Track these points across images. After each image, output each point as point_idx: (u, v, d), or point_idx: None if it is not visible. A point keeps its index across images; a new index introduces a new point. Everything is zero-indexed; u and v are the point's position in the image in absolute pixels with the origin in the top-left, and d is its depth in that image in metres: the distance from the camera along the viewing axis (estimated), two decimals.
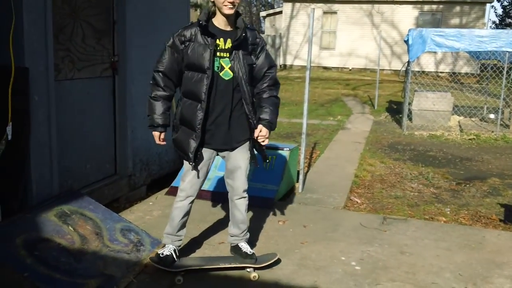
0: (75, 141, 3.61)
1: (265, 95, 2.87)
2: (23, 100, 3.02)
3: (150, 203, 4.22)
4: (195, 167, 2.83)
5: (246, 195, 2.98)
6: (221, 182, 4.24)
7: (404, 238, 3.62)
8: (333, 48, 22.20)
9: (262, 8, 41.56)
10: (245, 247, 3.01)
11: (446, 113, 9.15)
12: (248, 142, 2.91)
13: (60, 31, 3.40)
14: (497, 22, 36.02)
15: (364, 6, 21.49)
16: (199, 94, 2.72)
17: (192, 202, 2.95)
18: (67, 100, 3.49)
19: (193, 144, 2.77)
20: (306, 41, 21.97)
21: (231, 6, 2.65)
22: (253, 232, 3.58)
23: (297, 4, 22.30)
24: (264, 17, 27.33)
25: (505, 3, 34.54)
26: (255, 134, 2.82)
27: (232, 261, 2.97)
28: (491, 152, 7.33)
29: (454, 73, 13.35)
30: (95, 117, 3.83)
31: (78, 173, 3.69)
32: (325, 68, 22.25)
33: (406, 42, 8.62)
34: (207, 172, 2.93)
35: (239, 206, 2.97)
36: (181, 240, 3.02)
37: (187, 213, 2.97)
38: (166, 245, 2.98)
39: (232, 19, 2.74)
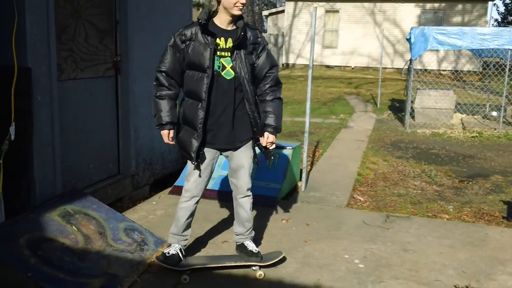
0: (78, 141, 3.62)
1: (268, 97, 2.87)
2: (26, 101, 3.03)
3: (154, 203, 4.23)
4: (197, 167, 2.83)
5: (250, 194, 2.99)
6: (224, 181, 4.25)
7: (407, 236, 3.62)
8: (335, 46, 22.18)
9: (265, 7, 41.56)
10: (250, 245, 3.02)
11: (449, 111, 9.13)
12: (251, 141, 2.91)
13: (63, 31, 3.41)
14: (499, 20, 35.95)
15: (366, 4, 21.46)
16: (200, 93, 2.72)
17: (197, 202, 2.95)
18: (70, 100, 3.51)
19: (195, 143, 2.77)
20: (308, 40, 21.97)
21: (242, 7, 2.67)
22: (257, 231, 3.58)
23: (300, 3, 22.29)
24: (267, 16, 27.31)
25: (507, 1, 34.45)
26: (263, 143, 2.87)
27: (237, 260, 2.98)
28: (493, 149, 7.32)
29: (456, 71, 13.32)
30: (98, 116, 3.84)
31: (81, 173, 3.70)
32: (328, 66, 22.23)
33: (408, 40, 8.61)
34: (211, 172, 2.93)
35: (244, 204, 2.98)
36: (186, 239, 3.03)
37: (192, 213, 2.98)
38: (172, 245, 2.99)
39: (235, 18, 2.74)
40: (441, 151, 7.14)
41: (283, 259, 3.07)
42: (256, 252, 2.99)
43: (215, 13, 2.75)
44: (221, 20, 2.73)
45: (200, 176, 2.86)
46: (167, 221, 3.74)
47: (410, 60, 8.92)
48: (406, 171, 5.93)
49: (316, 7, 4.82)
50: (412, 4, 21.02)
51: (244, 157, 2.90)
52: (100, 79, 3.86)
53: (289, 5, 22.73)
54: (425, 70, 13.32)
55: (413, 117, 9.19)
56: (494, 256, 3.30)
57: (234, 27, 2.76)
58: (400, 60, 20.69)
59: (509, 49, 8.25)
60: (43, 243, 2.79)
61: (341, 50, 22.09)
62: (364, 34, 21.55)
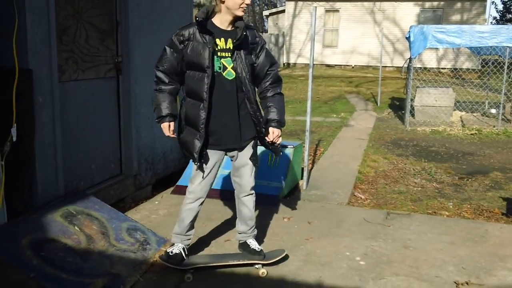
0: (80, 141, 3.64)
1: (269, 93, 2.89)
2: (27, 102, 3.04)
3: (156, 202, 4.25)
4: (200, 167, 2.83)
5: (253, 192, 2.99)
6: (226, 180, 4.27)
7: (407, 233, 3.64)
8: (335, 46, 22.20)
9: (265, 7, 41.56)
10: (253, 244, 3.03)
11: (448, 108, 9.15)
12: (253, 141, 2.92)
13: (64, 32, 3.43)
14: (498, 18, 35.94)
15: (366, 4, 21.48)
16: (201, 93, 2.71)
17: (202, 203, 2.96)
18: (71, 101, 3.52)
19: (197, 144, 2.76)
20: (309, 40, 21.98)
21: (245, 9, 2.70)
22: (259, 229, 3.59)
23: (300, 3, 22.31)
24: (267, 16, 27.35)
25: None
26: (269, 138, 2.86)
27: (240, 258, 2.99)
28: (493, 146, 7.34)
29: (455, 69, 13.31)
30: (99, 117, 3.86)
31: (84, 173, 3.72)
32: (328, 66, 22.25)
33: (408, 39, 8.63)
34: (216, 173, 2.92)
35: (247, 203, 2.98)
36: (190, 239, 3.04)
37: (197, 214, 2.98)
38: (175, 244, 3.00)
39: (236, 19, 2.74)
40: (441, 148, 7.16)
41: (285, 257, 3.08)
42: (259, 250, 3.00)
43: (214, 13, 2.74)
44: (222, 20, 2.73)
45: (204, 177, 2.85)
46: (170, 221, 3.76)
47: (410, 58, 8.94)
48: (406, 168, 5.95)
49: (316, 7, 4.84)
50: (411, 3, 21.04)
51: (247, 155, 2.90)
52: (101, 80, 3.87)
53: (289, 5, 22.75)
54: (425, 68, 13.31)
55: (413, 115, 9.21)
56: (494, 252, 3.32)
57: (233, 27, 2.75)
58: (399, 58, 20.70)
59: (507, 46, 8.26)
60: (46, 243, 2.81)
61: (341, 49, 22.10)
62: (364, 33, 21.56)
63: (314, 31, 4.58)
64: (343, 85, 15.86)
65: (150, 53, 4.25)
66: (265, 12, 28.36)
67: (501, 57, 9.65)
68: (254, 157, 2.94)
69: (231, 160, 2.99)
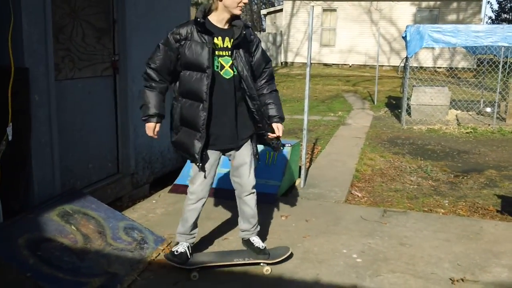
0: (76, 140, 3.64)
1: (266, 91, 2.90)
2: (23, 100, 3.04)
3: (153, 201, 4.25)
4: (202, 168, 2.80)
5: (254, 190, 2.98)
6: (224, 179, 4.27)
7: (404, 230, 3.66)
8: (333, 45, 22.24)
9: (263, 6, 41.56)
10: (257, 241, 3.02)
11: (444, 107, 9.19)
12: (251, 138, 2.92)
13: (60, 30, 3.42)
14: (493, 17, 36.10)
15: (363, 3, 21.52)
16: (200, 93, 2.67)
17: (204, 203, 2.95)
18: (68, 100, 3.52)
19: (198, 144, 2.73)
20: (306, 39, 21.99)
21: (243, 7, 2.68)
22: None
23: (297, 2, 22.33)
24: (265, 15, 27.36)
25: None
26: (276, 134, 2.87)
27: (246, 257, 2.98)
28: (488, 144, 7.38)
29: (451, 68, 13.36)
30: (96, 116, 3.85)
31: (80, 172, 3.71)
32: (326, 65, 22.28)
33: (404, 38, 8.66)
34: (215, 173, 2.92)
35: (249, 202, 2.97)
36: (194, 237, 3.03)
37: (200, 213, 2.98)
38: (180, 243, 2.99)
39: (233, 18, 2.72)
40: (437, 146, 7.20)
41: (290, 256, 3.08)
42: (263, 248, 2.99)
43: (210, 11, 2.71)
44: (219, 19, 2.70)
45: (205, 178, 2.84)
46: (167, 220, 3.76)
47: (406, 57, 8.97)
48: (403, 166, 5.98)
49: (313, 6, 4.86)
50: (408, 3, 21.10)
51: (246, 154, 2.89)
52: (98, 79, 3.87)
53: (287, 4, 22.77)
54: (421, 67, 13.37)
55: (409, 114, 9.24)
56: (489, 249, 3.34)
57: (229, 26, 2.74)
58: (396, 58, 20.75)
59: (502, 46, 8.30)
60: (42, 243, 2.80)
61: (338, 48, 22.14)
62: (361, 33, 21.61)
63: (311, 30, 4.59)
64: (341, 84, 15.89)
65: (148, 52, 4.19)
66: (263, 11, 28.38)
67: (496, 56, 9.70)
68: (254, 155, 2.93)
69: (229, 160, 2.98)
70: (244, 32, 2.71)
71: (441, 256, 3.22)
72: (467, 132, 8.24)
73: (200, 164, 2.78)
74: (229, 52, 2.71)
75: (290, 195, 4.52)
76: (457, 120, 9.20)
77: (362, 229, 3.67)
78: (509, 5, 34.71)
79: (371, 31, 21.26)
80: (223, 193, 4.18)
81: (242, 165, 2.90)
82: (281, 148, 3.03)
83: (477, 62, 15.44)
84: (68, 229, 2.99)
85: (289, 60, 23.11)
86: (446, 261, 3.15)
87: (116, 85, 4.07)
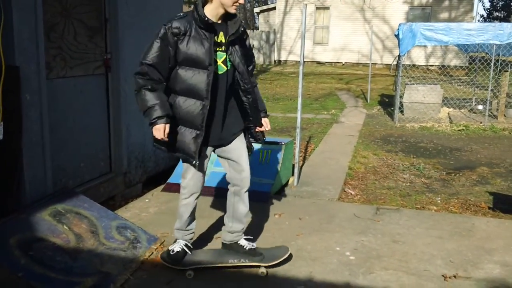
0: (68, 139, 3.62)
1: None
2: (14, 99, 3.02)
3: (146, 200, 4.23)
4: (199, 166, 2.75)
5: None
6: (217, 177, 4.27)
7: (396, 228, 3.68)
8: (326, 43, 22.28)
9: (256, 4, 41.54)
10: (245, 243, 2.94)
11: (436, 105, 9.25)
12: (242, 133, 2.89)
13: (51, 29, 3.40)
14: (485, 15, 36.35)
15: (356, 1, 21.58)
16: (201, 91, 2.59)
17: (197, 198, 2.91)
18: (59, 99, 3.50)
19: (196, 143, 2.67)
20: (299, 37, 22.01)
21: (238, 7, 2.64)
22: (250, 226, 3.62)
23: (290, 0, 22.34)
24: (258, 13, 27.34)
25: None
26: (264, 128, 2.88)
27: (241, 258, 2.91)
28: (479, 142, 7.43)
29: (443, 66, 13.46)
30: (88, 115, 3.83)
31: (73, 171, 3.69)
32: (319, 63, 22.32)
33: (397, 36, 8.69)
34: (206, 168, 2.89)
35: (246, 199, 2.90)
36: (192, 233, 2.98)
37: (195, 208, 2.94)
38: (177, 240, 2.95)
39: (226, 14, 2.67)
40: (429, 144, 7.24)
41: (290, 257, 3.01)
42: (254, 248, 2.93)
43: (206, 2, 2.63)
44: (213, 13, 2.62)
45: (196, 172, 2.80)
46: (160, 219, 3.75)
47: (399, 55, 9.00)
48: (396, 164, 6.01)
49: (306, 4, 4.86)
50: (401, 1, 21.18)
51: (242, 147, 2.86)
52: (90, 77, 3.85)
53: (280, 2, 22.77)
54: (413, 65, 13.44)
55: (402, 112, 9.29)
56: (481, 245, 3.37)
57: (222, 20, 2.68)
58: (389, 56, 20.83)
59: (494, 44, 8.36)
60: (34, 243, 2.79)
61: (331, 46, 22.19)
62: (354, 31, 21.66)
63: (304, 28, 4.60)
64: (334, 82, 15.92)
65: (140, 50, 4.17)
66: (256, 9, 28.38)
67: (488, 54, 9.76)
68: (248, 147, 2.91)
69: (219, 157, 2.92)
70: (243, 29, 2.68)
71: (433, 253, 3.24)
72: (459, 130, 8.30)
73: (198, 162, 2.72)
74: (223, 47, 2.67)
75: (283, 193, 4.52)
76: (449, 117, 9.26)
77: (355, 227, 3.68)
78: (500, 3, 34.99)
79: (364, 29, 21.32)
80: (216, 191, 4.18)
81: (240, 158, 2.83)
82: (263, 139, 2.99)
83: (469, 60, 15.54)
84: (60, 229, 2.97)
85: (282, 58, 23.12)
86: (439, 258, 3.17)
87: (108, 84, 4.05)
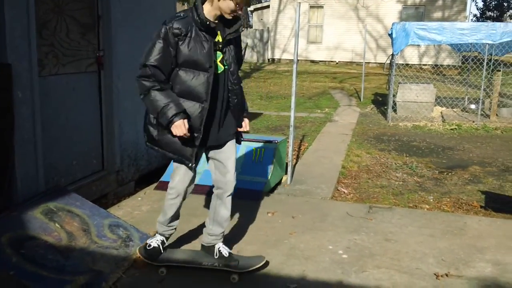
0: (61, 137, 3.60)
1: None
2: (6, 97, 2.99)
3: (139, 198, 4.22)
4: (194, 169, 2.72)
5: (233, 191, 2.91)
6: (210, 175, 4.25)
7: (389, 226, 3.70)
8: (320, 42, 22.31)
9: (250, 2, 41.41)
10: (222, 248, 2.88)
11: (429, 104, 9.29)
12: (235, 137, 2.88)
13: (44, 26, 3.37)
14: (478, 15, 36.57)
15: (350, 0, 21.62)
16: (201, 93, 2.57)
17: (184, 199, 2.88)
18: (52, 96, 3.47)
19: (194, 145, 2.65)
20: (293, 35, 22.02)
21: (233, 15, 2.60)
22: (243, 224, 3.63)
23: None
24: (252, 12, 27.29)
25: None
26: (243, 129, 2.87)
27: (215, 261, 2.88)
28: (472, 141, 7.49)
29: (436, 65, 13.52)
30: (81, 112, 3.81)
31: (65, 169, 3.67)
32: (313, 61, 22.35)
33: (390, 35, 8.72)
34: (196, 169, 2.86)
35: (228, 203, 2.87)
36: (173, 230, 2.97)
37: (180, 207, 2.92)
38: (156, 235, 2.95)
39: (222, 17, 2.64)
40: (422, 143, 7.28)
41: (266, 264, 2.95)
42: (230, 254, 2.88)
43: (204, 2, 2.59)
44: (211, 14, 2.59)
45: (187, 174, 2.77)
46: (153, 217, 3.73)
47: (392, 55, 9.04)
48: (389, 163, 6.03)
49: (300, 3, 4.85)
50: (394, 0, 21.25)
51: (232, 151, 2.84)
52: (82, 75, 3.83)
53: (274, 0, 22.76)
54: (407, 64, 13.50)
55: (395, 111, 9.33)
56: (473, 244, 3.39)
57: (218, 20, 2.66)
58: (382, 55, 20.90)
59: (487, 43, 8.41)
60: (26, 241, 2.77)
61: (325, 45, 22.22)
62: (348, 30, 21.72)
63: (298, 27, 4.60)
64: (327, 81, 15.95)
65: (133, 47, 4.21)
66: (250, 8, 28.30)
67: (481, 53, 9.83)
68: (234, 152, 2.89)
69: (208, 158, 2.88)
70: (242, 30, 2.68)
71: (425, 252, 3.25)
72: (451, 129, 8.34)
73: (194, 165, 2.69)
74: (220, 46, 2.65)
75: (276, 192, 4.53)
76: (442, 116, 9.31)
77: (348, 225, 3.69)
78: (493, 3, 35.22)
79: (358, 28, 21.38)
80: (209, 190, 4.16)
81: (228, 160, 2.82)
82: (241, 139, 2.98)
83: (462, 60, 15.64)
84: (52, 227, 2.96)
85: (276, 56, 23.12)
86: (431, 256, 3.19)
87: (101, 81, 4.03)
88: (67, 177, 3.69)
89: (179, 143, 2.65)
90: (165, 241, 2.96)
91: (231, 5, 2.52)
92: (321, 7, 22.03)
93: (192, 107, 2.60)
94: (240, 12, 2.58)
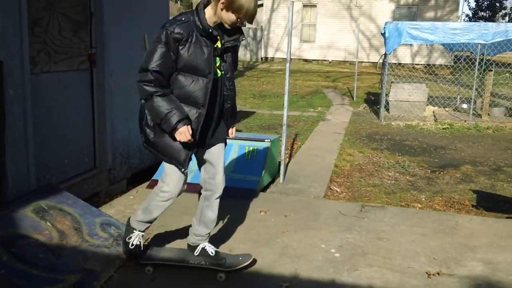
0: (52, 135, 3.57)
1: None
2: None
3: (131, 197, 4.20)
4: (185, 172, 2.70)
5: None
6: None
7: (381, 225, 3.71)
8: (313, 41, 22.35)
9: None
10: (208, 247, 2.87)
11: (422, 103, 9.34)
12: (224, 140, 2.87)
13: (36, 23, 3.34)
14: (471, 15, 36.82)
15: None
16: (199, 99, 2.55)
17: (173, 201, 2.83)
18: (43, 94, 3.45)
19: (188, 150, 2.63)
20: (287, 34, 22.03)
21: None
22: (235, 223, 3.62)
23: None
24: None
25: None
26: (229, 135, 2.90)
27: (202, 260, 2.87)
28: (464, 140, 7.54)
29: (429, 65, 13.61)
30: (73, 110, 3.78)
31: (56, 167, 3.65)
32: (306, 60, 22.38)
33: (383, 35, 8.75)
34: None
35: (215, 206, 2.84)
36: (151, 224, 2.91)
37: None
38: (135, 232, 2.84)
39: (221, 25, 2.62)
40: (414, 142, 7.32)
41: (253, 262, 2.95)
42: (217, 252, 2.88)
43: (208, 3, 2.56)
44: (211, 20, 2.56)
45: (181, 178, 2.72)
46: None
47: (385, 54, 9.07)
48: (381, 162, 6.06)
49: (293, 1, 4.85)
50: (387, 0, 21.33)
51: (221, 153, 2.82)
52: (74, 72, 3.80)
53: None
54: (399, 64, 13.56)
55: (387, 110, 9.37)
56: (464, 243, 3.42)
57: (217, 26, 2.63)
58: (375, 54, 20.98)
59: (479, 43, 8.48)
60: (17, 239, 2.75)
61: (318, 44, 22.26)
62: (341, 29, 21.77)
63: (291, 25, 4.60)
64: (320, 80, 15.98)
65: (126, 45, 4.18)
66: None
67: (473, 53, 9.90)
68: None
69: (201, 159, 2.84)
70: (243, 39, 2.67)
71: (417, 250, 3.27)
72: (443, 128, 8.40)
73: (186, 171, 2.67)
74: (218, 52, 2.63)
75: (269, 191, 4.53)
76: (434, 116, 9.37)
77: (340, 224, 3.70)
78: (486, 3, 35.47)
79: (351, 28, 21.44)
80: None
81: (218, 162, 2.80)
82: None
83: (454, 59, 15.75)
84: (44, 225, 2.94)
85: (270, 55, 23.12)
86: (423, 255, 3.21)
87: (93, 79, 4.00)
88: (58, 175, 3.67)
89: (174, 147, 2.62)
90: (143, 235, 2.89)
91: (233, 18, 2.50)
92: (315, 6, 22.06)
93: (189, 111, 2.57)
94: (240, 25, 2.57)
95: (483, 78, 9.58)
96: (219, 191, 2.82)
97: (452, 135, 7.95)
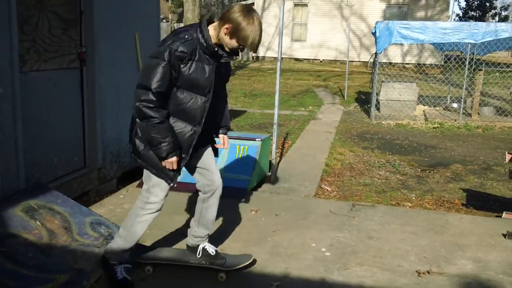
0: (42, 133, 3.54)
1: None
2: None
3: (121, 196, 4.18)
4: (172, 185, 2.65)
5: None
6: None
7: (372, 224, 3.73)
8: (304, 40, 22.37)
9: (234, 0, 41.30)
10: (208, 247, 2.86)
11: (412, 102, 9.41)
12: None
13: (25, 21, 3.31)
14: (461, 15, 37.09)
15: None
16: (195, 117, 2.52)
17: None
18: (33, 92, 3.41)
19: (180, 165, 2.58)
20: (278, 33, 22.01)
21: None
22: (226, 222, 3.62)
23: None
24: None
25: None
26: (225, 146, 2.87)
27: (202, 260, 2.87)
28: (454, 139, 7.61)
29: (419, 64, 13.70)
30: (63, 109, 3.75)
31: (46, 166, 3.61)
32: (297, 59, 22.40)
33: (374, 34, 8.79)
34: None
35: (215, 205, 2.81)
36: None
37: None
38: (116, 267, 2.69)
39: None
40: (405, 141, 7.37)
41: (252, 263, 2.94)
42: (216, 252, 2.87)
43: (211, 22, 2.52)
44: (212, 40, 2.50)
45: (166, 186, 2.64)
46: None
47: (376, 53, 9.12)
48: (371, 161, 6.09)
49: (284, 0, 4.85)
50: None
51: (212, 155, 2.82)
52: (64, 71, 3.77)
53: None
54: (390, 63, 13.64)
55: (378, 109, 9.42)
56: (454, 241, 3.45)
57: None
58: (366, 53, 21.07)
59: (469, 43, 8.55)
60: (6, 239, 2.72)
61: (309, 43, 22.29)
62: (332, 28, 21.81)
63: (282, 25, 4.60)
64: (312, 79, 16.02)
65: (116, 44, 4.15)
66: (234, 5, 28.19)
67: (463, 53, 9.99)
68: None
69: (192, 167, 2.81)
70: (237, 57, 2.66)
71: (407, 249, 3.30)
72: (434, 127, 8.46)
73: (175, 185, 2.63)
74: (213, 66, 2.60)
75: (260, 190, 4.54)
76: (425, 115, 9.44)
77: (331, 223, 3.72)
78: (476, 2, 35.76)
79: (342, 27, 21.50)
80: (193, 188, 4.14)
81: (211, 164, 2.78)
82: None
83: (445, 59, 15.87)
84: (33, 225, 2.91)
85: (260, 54, 23.10)
86: (413, 253, 3.23)
87: (83, 78, 3.97)
88: (48, 174, 3.63)
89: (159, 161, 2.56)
90: (128, 268, 2.73)
91: (235, 45, 2.46)
92: (306, 5, 22.08)
93: (184, 128, 2.54)
94: (241, 51, 2.55)
95: (473, 77, 9.67)
96: (219, 189, 2.82)
97: (442, 134, 8.01)
